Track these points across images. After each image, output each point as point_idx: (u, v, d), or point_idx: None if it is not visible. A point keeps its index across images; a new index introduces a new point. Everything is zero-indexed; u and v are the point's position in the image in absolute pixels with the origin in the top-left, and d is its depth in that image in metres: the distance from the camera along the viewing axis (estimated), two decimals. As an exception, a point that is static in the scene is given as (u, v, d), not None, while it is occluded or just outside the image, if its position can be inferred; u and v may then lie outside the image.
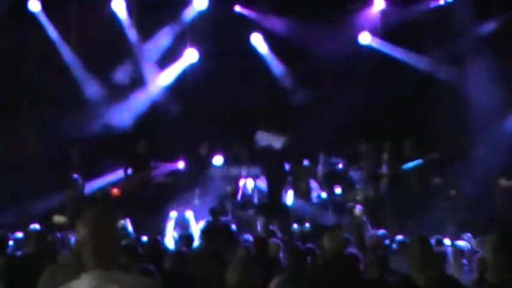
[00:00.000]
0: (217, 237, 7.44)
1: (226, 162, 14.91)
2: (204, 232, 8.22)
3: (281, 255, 8.29)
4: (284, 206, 13.91)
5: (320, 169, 15.01)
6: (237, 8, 15.59)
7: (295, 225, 12.82)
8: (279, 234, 10.81)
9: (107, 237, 3.43)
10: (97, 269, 3.36)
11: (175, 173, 15.04)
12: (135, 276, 3.61)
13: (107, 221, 3.49)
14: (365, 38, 15.49)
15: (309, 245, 8.61)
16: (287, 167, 14.57)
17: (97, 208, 3.61)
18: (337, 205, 14.06)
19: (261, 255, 7.87)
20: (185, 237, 9.77)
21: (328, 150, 15.05)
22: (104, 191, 13.78)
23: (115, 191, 13.78)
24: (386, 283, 6.39)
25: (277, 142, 14.22)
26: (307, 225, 12.91)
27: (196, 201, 13.93)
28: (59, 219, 12.97)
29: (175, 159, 15.26)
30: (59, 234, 10.29)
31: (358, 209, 12.81)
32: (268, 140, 14.33)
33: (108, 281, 3.33)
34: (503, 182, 13.55)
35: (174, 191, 14.19)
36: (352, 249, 7.92)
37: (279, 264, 7.61)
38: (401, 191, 14.16)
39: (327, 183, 14.68)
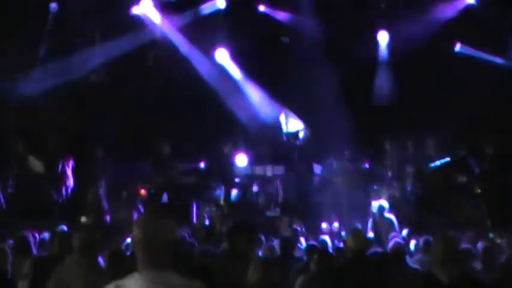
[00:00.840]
0: (241, 237, 7.22)
1: (250, 162, 14.80)
2: (229, 232, 8.07)
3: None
4: (311, 206, 13.71)
5: (349, 165, 14.81)
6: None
7: (324, 225, 12.75)
8: (304, 234, 10.81)
9: (159, 239, 3.43)
10: (148, 269, 3.39)
11: (198, 172, 14.91)
12: (186, 280, 3.50)
13: (161, 224, 3.49)
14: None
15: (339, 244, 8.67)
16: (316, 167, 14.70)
17: (151, 211, 3.81)
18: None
19: (286, 254, 7.81)
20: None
21: (352, 147, 14.83)
22: (132, 191, 13.72)
23: (142, 191, 13.78)
24: (409, 281, 6.32)
25: (296, 126, 14.23)
26: (336, 224, 12.82)
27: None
28: (85, 220, 13.01)
29: (197, 159, 15.27)
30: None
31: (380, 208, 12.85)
32: (290, 123, 14.35)
33: (158, 283, 3.35)
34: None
35: (197, 191, 14.15)
36: (378, 249, 7.76)
37: (305, 264, 7.53)
38: (426, 189, 13.89)
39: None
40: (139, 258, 3.46)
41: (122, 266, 6.16)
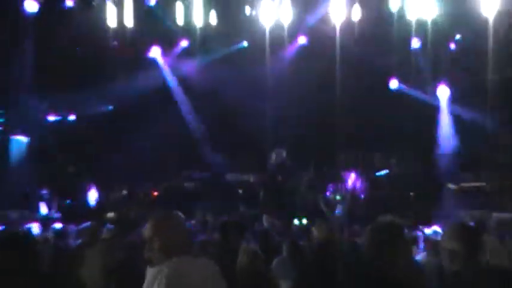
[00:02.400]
0: (231, 231, 7.36)
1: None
2: (221, 226, 7.99)
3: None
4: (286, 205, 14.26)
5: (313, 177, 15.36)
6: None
7: (295, 221, 12.83)
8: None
9: (177, 232, 3.64)
10: (188, 254, 3.62)
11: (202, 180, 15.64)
12: (201, 259, 3.71)
13: (175, 220, 3.70)
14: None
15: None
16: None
17: (166, 210, 3.89)
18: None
19: (265, 242, 7.69)
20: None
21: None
22: (146, 193, 14.57)
23: (154, 193, 14.58)
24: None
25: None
26: (304, 221, 12.90)
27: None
28: (110, 215, 13.36)
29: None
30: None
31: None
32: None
33: (186, 263, 3.55)
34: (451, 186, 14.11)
35: (198, 196, 14.79)
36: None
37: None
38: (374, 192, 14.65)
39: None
40: (174, 246, 3.59)
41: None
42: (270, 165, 14.96)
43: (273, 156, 15.06)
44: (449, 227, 4.26)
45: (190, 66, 16.79)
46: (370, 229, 3.93)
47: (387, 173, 14.93)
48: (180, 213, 3.79)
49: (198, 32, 14.69)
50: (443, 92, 16.42)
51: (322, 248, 5.91)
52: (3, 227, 9.16)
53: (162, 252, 3.56)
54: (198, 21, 14.52)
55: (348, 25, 14.07)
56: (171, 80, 17.06)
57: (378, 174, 15.00)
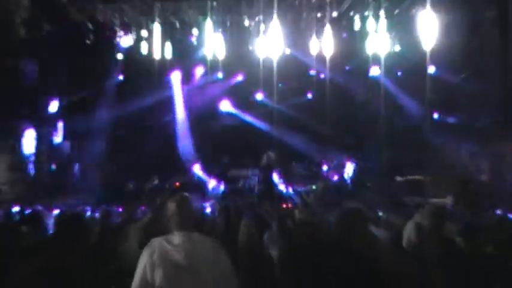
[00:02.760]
0: (229, 212, 7.41)
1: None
2: (220, 209, 8.05)
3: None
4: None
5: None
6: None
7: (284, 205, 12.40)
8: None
9: (188, 210, 3.64)
10: (182, 230, 3.55)
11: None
12: (204, 236, 3.65)
13: (187, 200, 3.69)
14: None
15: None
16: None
17: (181, 194, 3.82)
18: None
19: (259, 223, 7.30)
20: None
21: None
22: (171, 183, 14.52)
23: (177, 184, 14.54)
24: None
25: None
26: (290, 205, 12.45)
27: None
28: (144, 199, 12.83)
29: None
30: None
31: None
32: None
33: (191, 239, 3.52)
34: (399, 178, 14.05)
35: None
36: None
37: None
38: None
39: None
40: (174, 223, 3.56)
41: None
42: (262, 165, 14.67)
43: (264, 157, 14.75)
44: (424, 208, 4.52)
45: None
46: (339, 212, 4.09)
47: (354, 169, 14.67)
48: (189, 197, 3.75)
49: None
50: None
51: (302, 225, 5.91)
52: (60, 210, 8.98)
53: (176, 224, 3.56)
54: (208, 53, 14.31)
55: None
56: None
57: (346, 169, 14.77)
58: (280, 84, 15.55)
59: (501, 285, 3.29)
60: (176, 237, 3.47)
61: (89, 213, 9.18)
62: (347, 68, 16.17)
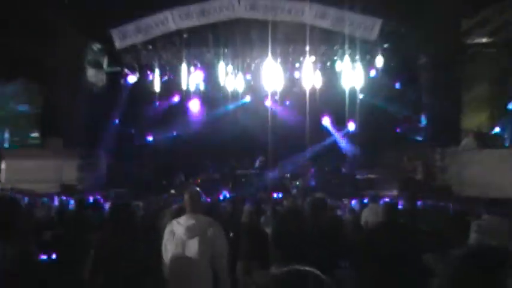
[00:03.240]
0: (238, 201, 7.38)
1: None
2: (231, 200, 8.11)
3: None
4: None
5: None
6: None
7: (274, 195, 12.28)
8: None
9: (196, 199, 3.60)
10: (190, 213, 3.57)
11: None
12: (208, 218, 3.60)
13: (194, 193, 3.63)
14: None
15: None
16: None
17: (192, 187, 3.84)
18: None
19: (257, 208, 7.18)
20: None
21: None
22: (193, 179, 14.40)
23: (198, 180, 14.39)
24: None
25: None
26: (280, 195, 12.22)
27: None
28: (173, 192, 13.53)
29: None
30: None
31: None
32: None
33: (193, 218, 3.52)
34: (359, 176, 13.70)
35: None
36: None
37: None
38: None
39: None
40: (187, 207, 3.57)
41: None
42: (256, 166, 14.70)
43: (258, 161, 14.69)
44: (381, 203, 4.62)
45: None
46: (309, 199, 4.13)
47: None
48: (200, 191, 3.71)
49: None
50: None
51: (290, 210, 5.50)
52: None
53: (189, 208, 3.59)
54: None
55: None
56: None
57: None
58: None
59: (433, 254, 3.26)
60: (184, 218, 3.54)
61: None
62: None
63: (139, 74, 14.95)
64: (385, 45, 13.01)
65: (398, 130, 14.35)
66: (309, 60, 13.32)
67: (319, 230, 3.64)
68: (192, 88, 14.63)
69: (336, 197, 10.00)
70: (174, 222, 3.57)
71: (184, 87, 14.19)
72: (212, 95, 15.47)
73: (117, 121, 14.75)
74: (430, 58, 12.70)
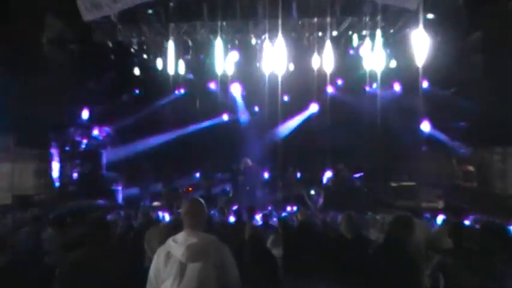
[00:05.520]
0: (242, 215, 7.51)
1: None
2: (236, 211, 8.10)
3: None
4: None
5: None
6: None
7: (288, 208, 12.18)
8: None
9: (196, 212, 3.59)
10: (188, 229, 3.55)
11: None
12: (207, 235, 3.57)
13: (197, 205, 3.64)
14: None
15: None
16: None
17: (192, 198, 3.76)
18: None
19: (265, 223, 7.64)
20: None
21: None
22: (185, 188, 14.65)
23: (190, 188, 14.74)
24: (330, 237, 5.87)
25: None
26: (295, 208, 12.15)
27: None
28: (157, 203, 13.55)
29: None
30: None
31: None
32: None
33: (193, 236, 3.50)
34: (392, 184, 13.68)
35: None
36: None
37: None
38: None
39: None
40: (184, 222, 3.56)
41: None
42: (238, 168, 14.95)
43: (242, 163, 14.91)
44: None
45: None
46: (394, 219, 4.30)
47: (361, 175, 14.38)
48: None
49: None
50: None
51: (303, 226, 5.88)
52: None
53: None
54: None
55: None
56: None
57: (355, 176, 14.39)
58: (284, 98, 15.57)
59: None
60: (182, 235, 3.51)
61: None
62: (342, 83, 16.17)
63: (114, 55, 15.00)
64: (429, 16, 12.91)
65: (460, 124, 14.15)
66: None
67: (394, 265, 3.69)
68: (181, 72, 14.88)
69: (362, 210, 10.13)
70: (170, 241, 3.53)
71: (171, 71, 14.25)
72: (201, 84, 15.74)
73: (85, 115, 14.87)
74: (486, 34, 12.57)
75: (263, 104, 14.44)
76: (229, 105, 16.54)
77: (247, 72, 15.16)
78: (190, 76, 15.85)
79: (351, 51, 14.51)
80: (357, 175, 14.05)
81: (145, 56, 15.07)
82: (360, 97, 15.06)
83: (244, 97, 16.82)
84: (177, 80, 14.97)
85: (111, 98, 15.39)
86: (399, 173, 13.98)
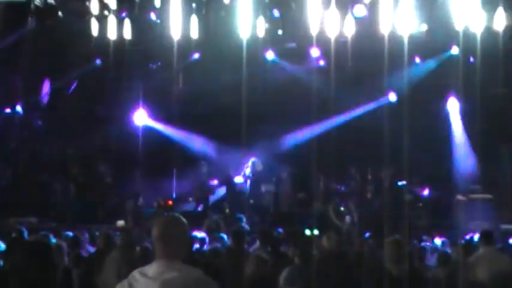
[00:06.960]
0: (243, 239, 7.69)
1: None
2: (234, 234, 8.20)
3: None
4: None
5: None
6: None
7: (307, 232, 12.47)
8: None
9: (176, 236, 3.62)
10: (163, 259, 3.58)
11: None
12: (188, 267, 3.66)
13: (175, 225, 3.67)
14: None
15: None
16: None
17: (168, 215, 3.98)
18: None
19: (275, 251, 7.82)
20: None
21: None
22: (163, 201, 14.94)
23: (170, 202, 15.04)
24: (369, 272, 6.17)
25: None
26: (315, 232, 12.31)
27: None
28: (120, 223, 13.92)
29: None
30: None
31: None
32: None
33: (171, 269, 3.51)
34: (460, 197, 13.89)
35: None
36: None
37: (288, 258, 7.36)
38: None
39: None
40: (157, 250, 3.60)
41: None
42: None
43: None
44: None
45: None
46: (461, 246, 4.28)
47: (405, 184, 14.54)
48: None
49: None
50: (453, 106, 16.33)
51: (331, 257, 6.11)
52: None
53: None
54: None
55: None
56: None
57: (399, 184, 14.72)
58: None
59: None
60: (153, 268, 3.54)
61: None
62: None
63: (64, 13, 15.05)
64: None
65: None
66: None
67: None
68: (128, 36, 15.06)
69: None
70: (136, 274, 3.54)
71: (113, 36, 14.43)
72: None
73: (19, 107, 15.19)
74: None
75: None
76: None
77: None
78: None
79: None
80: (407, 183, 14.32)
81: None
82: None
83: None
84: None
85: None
86: (467, 181, 14.27)
